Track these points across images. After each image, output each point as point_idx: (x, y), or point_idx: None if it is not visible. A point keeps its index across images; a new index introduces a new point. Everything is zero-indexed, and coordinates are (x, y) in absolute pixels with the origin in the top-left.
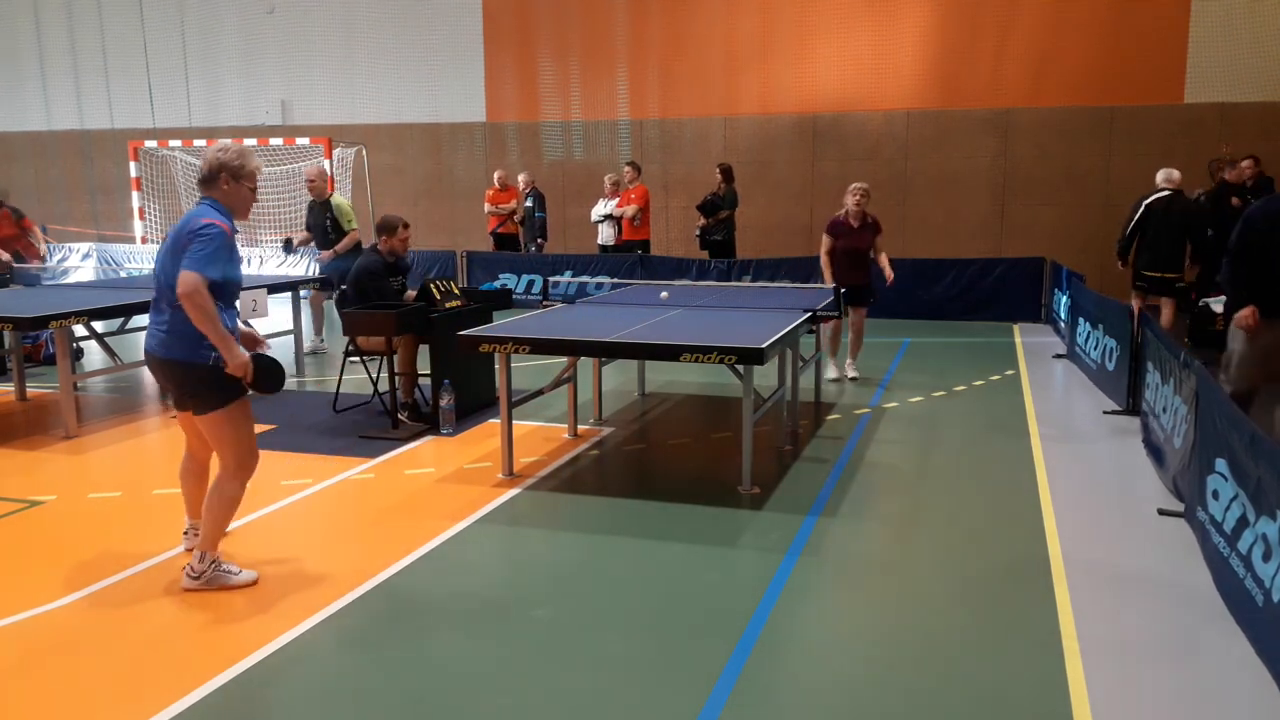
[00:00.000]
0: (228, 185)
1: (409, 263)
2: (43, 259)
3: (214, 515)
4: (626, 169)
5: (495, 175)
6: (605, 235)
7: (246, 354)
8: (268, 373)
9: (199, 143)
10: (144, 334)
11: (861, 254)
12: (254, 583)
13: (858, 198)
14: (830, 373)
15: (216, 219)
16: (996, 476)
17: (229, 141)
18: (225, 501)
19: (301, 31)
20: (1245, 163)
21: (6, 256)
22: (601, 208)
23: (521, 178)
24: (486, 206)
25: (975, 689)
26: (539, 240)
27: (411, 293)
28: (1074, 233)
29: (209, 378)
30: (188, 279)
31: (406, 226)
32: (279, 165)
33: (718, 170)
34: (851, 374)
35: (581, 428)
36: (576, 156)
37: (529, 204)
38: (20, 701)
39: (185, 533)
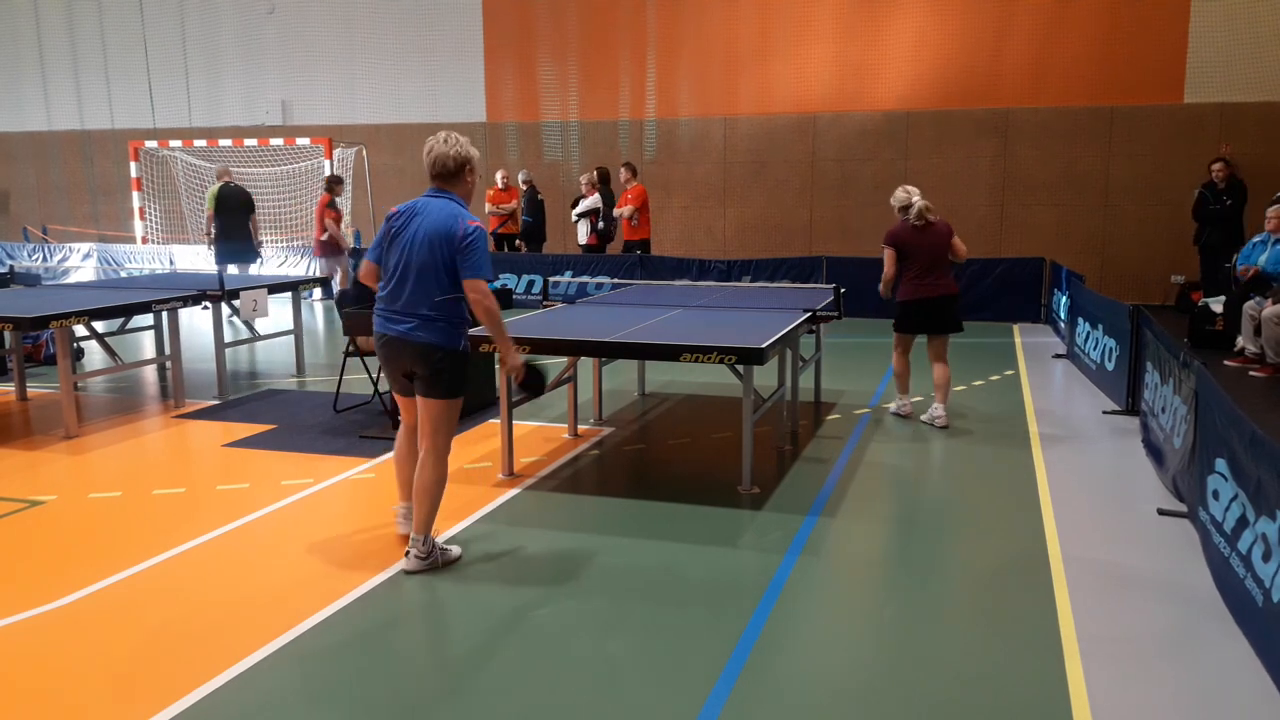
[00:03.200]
0: (470, 178)
1: None
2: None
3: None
4: (622, 170)
5: (498, 175)
6: (581, 234)
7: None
8: (535, 374)
9: (199, 143)
10: (148, 333)
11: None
12: (460, 558)
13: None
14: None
15: (476, 220)
16: (996, 476)
17: (454, 134)
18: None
19: (301, 31)
20: (1216, 165)
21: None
22: (580, 206)
23: (521, 176)
24: (488, 206)
25: (975, 689)
26: (518, 242)
27: None
28: (1074, 233)
29: (459, 364)
30: (479, 286)
31: None
32: (279, 165)
33: (594, 172)
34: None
35: (581, 428)
36: (577, 156)
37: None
38: (21, 701)
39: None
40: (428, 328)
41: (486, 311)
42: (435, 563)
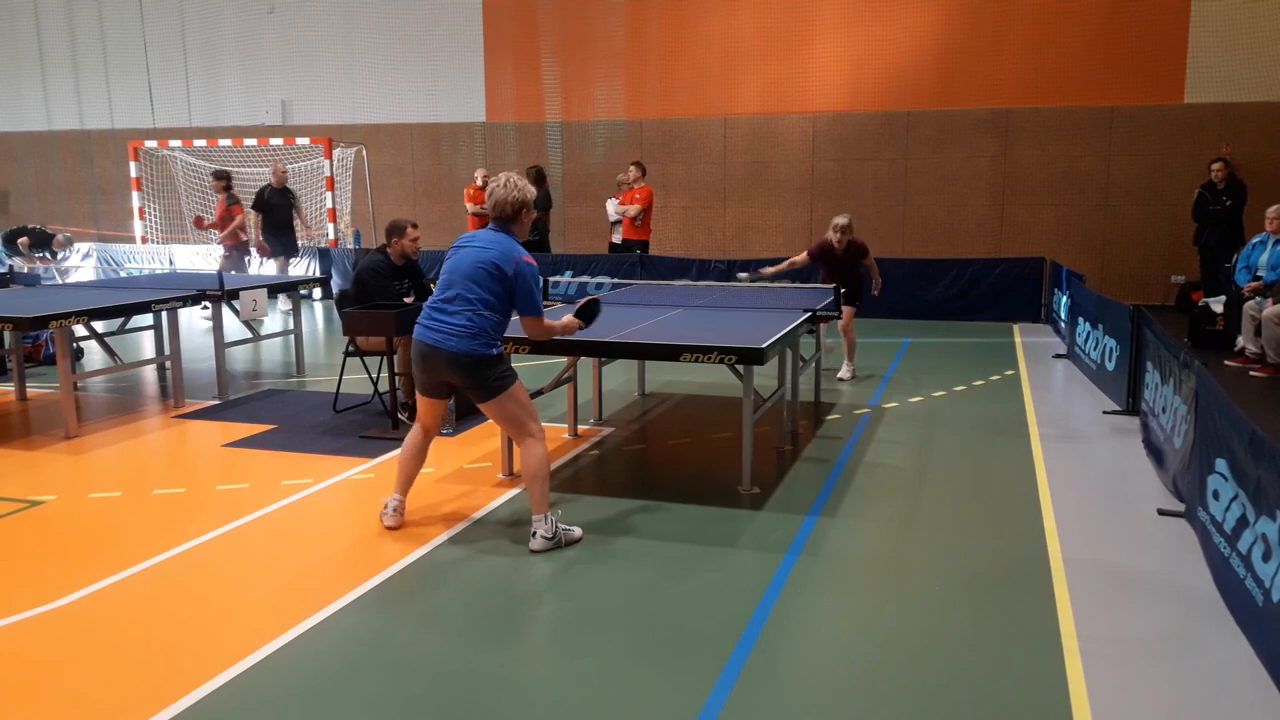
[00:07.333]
0: (526, 218)
1: (421, 269)
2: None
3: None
4: (632, 169)
5: (477, 174)
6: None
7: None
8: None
9: (199, 143)
10: (148, 333)
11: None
12: (581, 538)
13: (838, 235)
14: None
15: (529, 256)
16: (996, 476)
17: (513, 177)
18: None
19: (301, 31)
20: (1216, 165)
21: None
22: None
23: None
24: (470, 206)
25: (975, 689)
26: None
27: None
28: (1074, 233)
29: (492, 364)
30: (537, 325)
31: (415, 227)
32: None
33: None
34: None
35: (581, 428)
36: (576, 157)
37: None
38: (21, 701)
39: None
40: (461, 339)
41: (546, 336)
42: (559, 542)
